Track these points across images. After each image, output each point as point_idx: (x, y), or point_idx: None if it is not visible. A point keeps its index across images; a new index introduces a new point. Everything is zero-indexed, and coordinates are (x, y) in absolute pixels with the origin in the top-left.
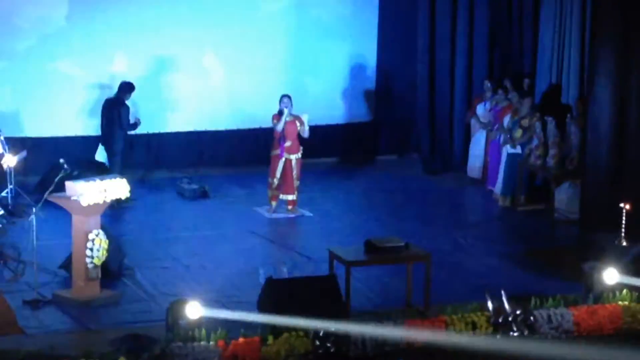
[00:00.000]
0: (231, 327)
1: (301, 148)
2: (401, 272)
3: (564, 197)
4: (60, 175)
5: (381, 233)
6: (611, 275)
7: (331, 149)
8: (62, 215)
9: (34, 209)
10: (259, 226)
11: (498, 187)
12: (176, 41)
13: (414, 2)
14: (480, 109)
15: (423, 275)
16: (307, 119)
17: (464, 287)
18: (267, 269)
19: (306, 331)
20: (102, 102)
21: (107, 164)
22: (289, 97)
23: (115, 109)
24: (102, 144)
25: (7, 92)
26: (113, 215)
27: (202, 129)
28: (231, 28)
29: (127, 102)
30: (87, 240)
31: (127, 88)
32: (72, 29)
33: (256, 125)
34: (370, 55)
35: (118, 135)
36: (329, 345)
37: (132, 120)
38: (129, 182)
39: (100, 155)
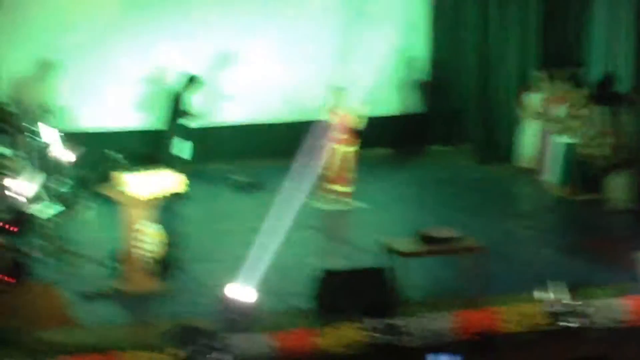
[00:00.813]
0: (286, 319)
1: (357, 140)
2: (454, 264)
3: (619, 186)
4: (115, 168)
5: (434, 224)
6: None
7: (383, 140)
8: (117, 208)
9: (90, 203)
10: (312, 218)
11: (552, 177)
12: (227, 33)
13: None
14: (533, 99)
15: (477, 266)
16: (364, 111)
17: (517, 278)
18: (320, 261)
19: (360, 322)
20: (154, 95)
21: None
22: (343, 89)
23: (174, 99)
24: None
25: (63, 86)
26: (167, 208)
27: (254, 121)
28: (282, 19)
29: (187, 94)
30: (142, 233)
31: (189, 80)
32: (125, 22)
33: (309, 117)
34: (421, 45)
35: (172, 126)
36: (383, 336)
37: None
38: (184, 175)
39: (177, 148)
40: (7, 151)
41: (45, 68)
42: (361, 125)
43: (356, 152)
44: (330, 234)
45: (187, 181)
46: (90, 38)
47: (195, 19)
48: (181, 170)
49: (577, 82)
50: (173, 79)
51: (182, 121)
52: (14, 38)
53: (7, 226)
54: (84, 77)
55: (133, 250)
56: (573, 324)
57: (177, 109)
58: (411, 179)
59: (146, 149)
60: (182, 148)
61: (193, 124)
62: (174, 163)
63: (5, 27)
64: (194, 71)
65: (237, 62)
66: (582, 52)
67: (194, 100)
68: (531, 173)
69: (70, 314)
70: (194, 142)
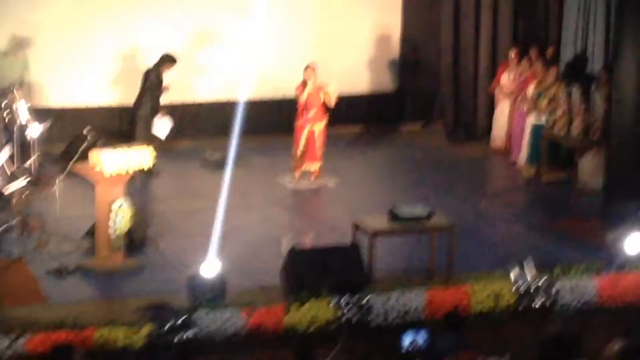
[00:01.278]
0: (255, 296)
1: (325, 117)
2: (425, 242)
3: (588, 166)
4: (84, 145)
5: (405, 202)
6: (635, 244)
7: (355, 118)
8: (86, 184)
9: (58, 179)
10: (283, 196)
11: (522, 157)
12: (201, 10)
13: None
14: (504, 78)
15: (446, 244)
16: (334, 89)
17: (487, 257)
18: (290, 239)
19: (329, 300)
20: (128, 72)
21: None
22: (313, 67)
23: (146, 75)
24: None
25: (32, 62)
26: (137, 184)
27: (226, 98)
28: None
29: (163, 72)
30: (111, 209)
31: (164, 59)
32: None
33: (280, 95)
34: (394, 24)
35: (144, 100)
36: (352, 314)
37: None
38: (154, 152)
39: (156, 126)
40: None
41: (16, 43)
42: (332, 102)
43: (326, 129)
44: (300, 211)
45: (158, 158)
46: (64, 13)
47: None
48: (154, 148)
49: (548, 61)
50: (147, 55)
51: (155, 98)
52: None
53: None
54: (57, 52)
55: (103, 226)
56: (543, 302)
57: (149, 87)
58: (383, 157)
59: (118, 126)
60: (161, 126)
61: (165, 101)
62: (147, 140)
63: None
64: (168, 48)
65: (212, 39)
66: (554, 31)
67: (168, 78)
68: (503, 153)
69: (39, 290)
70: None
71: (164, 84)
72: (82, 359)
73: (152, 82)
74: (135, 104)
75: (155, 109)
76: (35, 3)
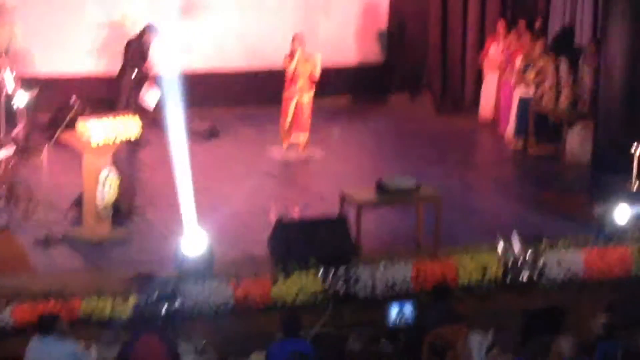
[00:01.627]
0: (242, 267)
1: (313, 88)
2: (412, 213)
3: (575, 139)
4: (71, 114)
5: (392, 174)
6: (622, 217)
7: (343, 89)
8: (73, 154)
9: (45, 148)
10: (270, 166)
11: (509, 129)
12: None
13: None
14: (492, 50)
15: (434, 216)
16: (319, 59)
17: (474, 229)
18: (278, 209)
19: (317, 271)
20: (115, 41)
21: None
22: (300, 36)
23: (127, 46)
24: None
25: (19, 30)
26: (124, 154)
27: (213, 68)
28: None
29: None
30: (98, 179)
31: (147, 30)
32: None
33: (268, 65)
34: None
35: (127, 71)
36: (339, 285)
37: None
38: (140, 122)
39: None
40: None
41: (2, 11)
42: (318, 73)
43: (313, 99)
44: (288, 182)
45: (144, 128)
46: None
47: None
48: (140, 118)
49: (535, 34)
50: (134, 25)
51: (139, 69)
52: None
53: None
54: (44, 21)
55: (90, 196)
56: (529, 275)
57: (131, 57)
58: (370, 129)
59: (105, 95)
60: (149, 97)
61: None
62: (131, 110)
63: None
64: (155, 18)
65: (199, 9)
66: (542, 3)
67: (152, 48)
68: (491, 125)
69: (27, 259)
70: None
71: (151, 57)
72: (67, 328)
73: (133, 52)
74: (118, 74)
75: (141, 79)
76: None
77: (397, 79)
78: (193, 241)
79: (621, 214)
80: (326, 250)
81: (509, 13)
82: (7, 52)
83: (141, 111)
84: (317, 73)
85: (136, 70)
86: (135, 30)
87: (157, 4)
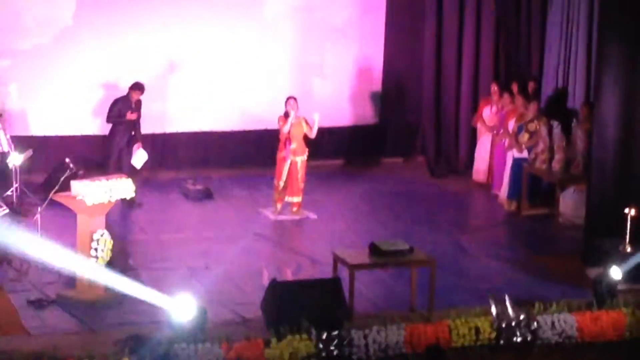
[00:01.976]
0: (234, 329)
1: (307, 150)
2: (405, 276)
3: (569, 202)
4: (65, 175)
5: (386, 236)
6: (615, 281)
7: (337, 151)
8: (67, 214)
9: (39, 208)
10: (264, 228)
11: (503, 191)
12: (182, 41)
13: (421, 5)
14: (486, 113)
15: (427, 279)
16: (317, 119)
17: (468, 292)
18: (271, 271)
19: (310, 334)
20: (109, 102)
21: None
22: (295, 98)
23: (113, 105)
24: None
25: (14, 91)
26: (118, 215)
27: (208, 129)
28: (238, 28)
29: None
30: (92, 240)
31: (132, 87)
32: (78, 28)
33: (262, 127)
34: (377, 57)
35: (116, 130)
36: (332, 348)
37: None
38: (135, 183)
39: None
40: None
41: None
42: (313, 134)
43: (307, 161)
44: (280, 244)
45: (137, 188)
46: (46, 43)
47: (150, 27)
48: (132, 178)
49: (529, 96)
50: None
51: (127, 128)
52: None
53: None
54: (39, 82)
55: (83, 256)
56: (521, 338)
57: (120, 116)
58: (364, 191)
59: (98, 156)
60: (137, 158)
61: (147, 131)
62: (121, 170)
63: None
64: (149, 79)
65: (193, 71)
66: (535, 66)
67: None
68: (485, 187)
69: (19, 320)
70: (147, 150)
71: (132, 112)
72: None
73: (119, 110)
74: (108, 135)
75: (130, 140)
76: (17, 33)
77: (391, 141)
78: (185, 303)
79: (614, 276)
80: (319, 313)
81: (502, 76)
82: (1, 112)
83: (132, 172)
84: (314, 133)
85: (126, 129)
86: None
87: (151, 65)
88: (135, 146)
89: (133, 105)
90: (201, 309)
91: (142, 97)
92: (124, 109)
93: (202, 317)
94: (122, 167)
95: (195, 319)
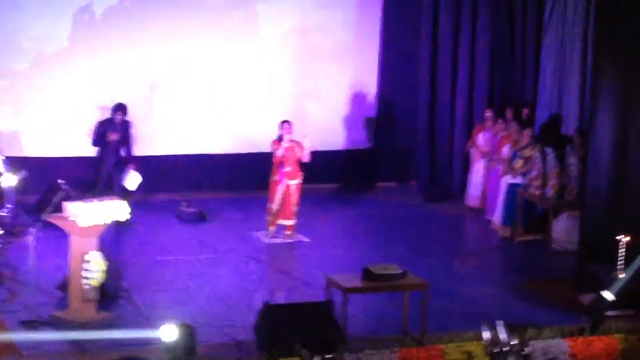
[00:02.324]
0: (227, 351)
1: (301, 174)
2: (398, 300)
3: (562, 227)
4: (58, 196)
5: (379, 260)
6: (607, 307)
7: (331, 175)
8: (60, 235)
9: (31, 229)
10: (257, 251)
11: (497, 217)
12: (178, 64)
13: (416, 30)
14: (480, 138)
15: (420, 303)
16: (308, 142)
17: (460, 316)
18: (264, 294)
19: (302, 357)
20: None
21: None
22: (289, 122)
23: (98, 128)
24: None
25: (8, 112)
26: (111, 236)
27: (202, 152)
28: (233, 52)
29: (114, 121)
30: (84, 261)
31: (115, 108)
32: (73, 50)
33: (256, 150)
34: (371, 82)
35: (99, 154)
36: None
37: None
38: (128, 204)
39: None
40: None
41: None
42: (307, 157)
43: (301, 185)
44: (274, 267)
45: (131, 210)
46: (41, 64)
47: (144, 49)
48: (126, 199)
49: (523, 123)
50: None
51: (113, 150)
52: None
53: None
54: (33, 103)
55: (76, 277)
56: None
57: (103, 136)
58: (358, 215)
59: (91, 177)
60: (130, 180)
61: (141, 153)
62: (117, 192)
63: None
64: (145, 101)
65: (188, 93)
66: (529, 92)
67: (136, 129)
68: (478, 212)
69: (11, 342)
70: (140, 172)
71: (114, 134)
72: None
73: (102, 133)
74: (97, 157)
75: (119, 162)
76: (12, 53)
77: (385, 165)
78: (177, 325)
79: (606, 301)
80: (312, 336)
81: (496, 101)
82: None
83: (124, 194)
84: (307, 156)
85: (114, 153)
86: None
87: (146, 87)
88: (127, 168)
89: (117, 127)
90: (192, 330)
91: (128, 118)
92: (108, 131)
93: (192, 339)
94: (113, 189)
95: (186, 340)
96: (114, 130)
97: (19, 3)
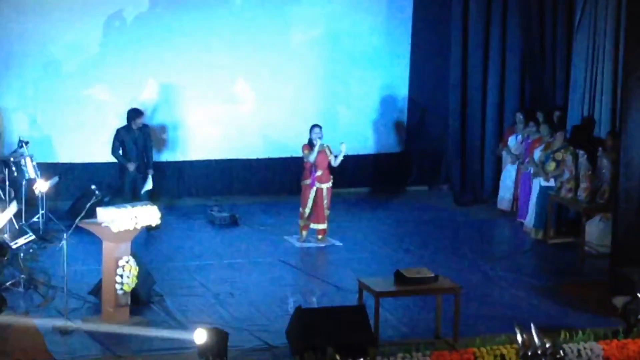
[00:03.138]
0: (260, 356)
1: (332, 177)
2: (430, 304)
3: (594, 230)
4: (91, 201)
5: (411, 264)
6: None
7: (362, 179)
8: (92, 241)
9: (64, 235)
10: (289, 255)
11: (529, 220)
12: (208, 69)
13: (446, 33)
14: (511, 141)
15: (452, 306)
16: (344, 149)
17: (493, 320)
18: (296, 298)
19: None
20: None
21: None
22: (320, 127)
23: (117, 134)
24: None
25: (40, 118)
26: (143, 241)
27: (233, 157)
28: (264, 57)
29: (132, 127)
30: (117, 266)
31: (130, 114)
32: (104, 56)
33: (287, 155)
34: (401, 86)
35: (130, 157)
36: None
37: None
38: (159, 209)
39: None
40: None
41: (25, 100)
42: (336, 164)
43: (332, 189)
44: (306, 271)
45: (163, 215)
46: (72, 71)
47: (175, 54)
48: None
49: (555, 125)
50: (154, 113)
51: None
52: None
53: None
54: (65, 109)
55: (109, 283)
56: None
57: (116, 145)
58: (389, 219)
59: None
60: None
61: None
62: (142, 197)
63: None
64: (176, 107)
65: (220, 99)
66: (561, 94)
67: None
68: (509, 215)
69: (45, 347)
70: (173, 177)
71: (131, 165)
72: None
73: (122, 141)
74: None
75: (142, 166)
76: (44, 61)
77: (416, 169)
78: (208, 330)
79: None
80: (345, 340)
81: (527, 104)
82: (28, 139)
83: (149, 199)
84: (338, 162)
85: (136, 159)
86: (154, 118)
87: (178, 92)
88: (149, 171)
89: (137, 133)
90: (223, 335)
91: (147, 122)
92: (127, 138)
93: (223, 343)
94: (138, 195)
95: (218, 345)
96: (133, 136)
97: (50, 12)
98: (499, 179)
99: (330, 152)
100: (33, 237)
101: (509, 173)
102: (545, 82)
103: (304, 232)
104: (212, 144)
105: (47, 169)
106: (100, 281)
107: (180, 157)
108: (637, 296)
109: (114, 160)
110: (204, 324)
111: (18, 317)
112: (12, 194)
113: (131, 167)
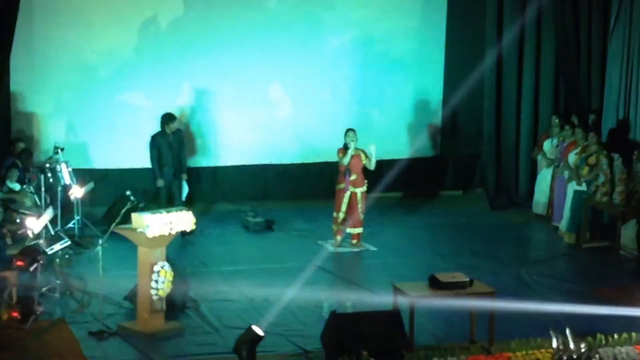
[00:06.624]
0: None
1: (366, 182)
2: (465, 308)
3: (630, 234)
4: (126, 207)
5: (445, 268)
6: None
7: (396, 183)
8: (127, 246)
9: (100, 241)
10: (324, 260)
11: (563, 224)
12: (243, 74)
13: (481, 37)
14: (546, 145)
15: (487, 311)
16: (374, 150)
17: (528, 324)
18: (331, 303)
19: None
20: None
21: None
22: (354, 131)
23: (152, 141)
24: None
25: (75, 124)
26: (178, 247)
27: (268, 162)
28: (298, 61)
29: (166, 132)
30: (152, 272)
31: (164, 119)
32: (139, 61)
33: (321, 159)
34: (436, 90)
35: (163, 163)
36: None
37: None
38: (194, 215)
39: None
40: (16, 186)
41: (60, 106)
42: (372, 165)
43: (366, 193)
44: (341, 276)
45: (198, 220)
46: (107, 78)
47: (210, 59)
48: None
49: (590, 129)
50: (189, 119)
51: (172, 161)
52: (31, 77)
53: (16, 262)
54: (100, 115)
55: (144, 288)
56: None
57: (154, 151)
58: (423, 223)
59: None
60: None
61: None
62: (177, 203)
63: (24, 66)
64: (210, 112)
65: (254, 103)
66: (596, 98)
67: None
68: (544, 219)
69: (80, 352)
70: (207, 182)
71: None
72: None
73: (158, 147)
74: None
75: (177, 171)
76: (79, 67)
77: (450, 173)
78: (248, 335)
79: None
80: (380, 344)
81: (562, 108)
82: (63, 146)
83: (185, 204)
84: (373, 164)
85: (171, 164)
86: (189, 123)
87: (213, 99)
88: (183, 176)
89: (171, 137)
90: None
91: (181, 127)
92: (162, 144)
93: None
94: (173, 200)
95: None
96: (168, 141)
97: (86, 19)
98: (533, 182)
99: (366, 157)
100: (69, 242)
101: (544, 177)
102: (580, 85)
103: (339, 237)
104: (247, 148)
105: (83, 175)
106: (135, 287)
107: (215, 162)
108: None
109: (149, 165)
110: (239, 329)
111: (53, 322)
112: (48, 200)
113: (160, 183)
